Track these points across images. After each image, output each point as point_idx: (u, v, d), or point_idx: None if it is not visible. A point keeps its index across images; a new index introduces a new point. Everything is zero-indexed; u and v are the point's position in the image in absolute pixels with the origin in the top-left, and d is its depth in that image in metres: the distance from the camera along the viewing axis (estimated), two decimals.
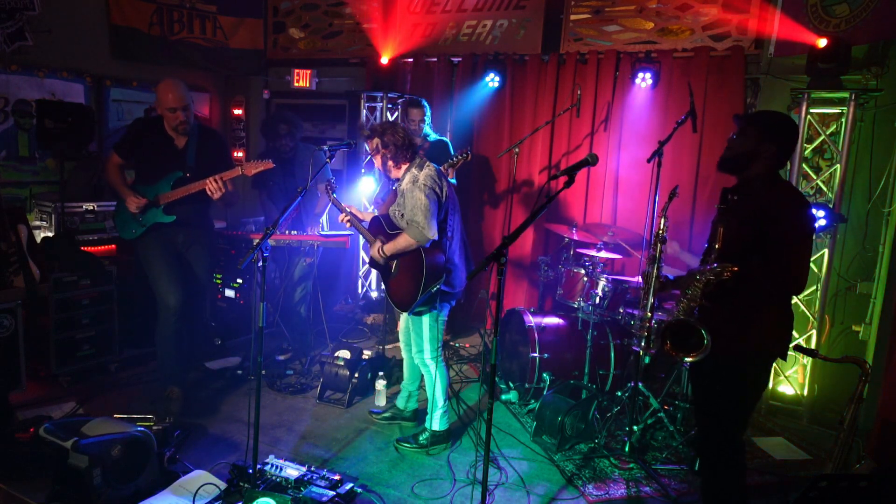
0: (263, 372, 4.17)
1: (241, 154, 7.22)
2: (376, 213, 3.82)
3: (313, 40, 6.73)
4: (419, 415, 4.01)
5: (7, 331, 3.59)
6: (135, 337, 4.74)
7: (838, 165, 4.26)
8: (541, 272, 5.00)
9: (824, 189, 4.40)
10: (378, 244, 3.53)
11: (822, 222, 4.15)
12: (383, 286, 3.69)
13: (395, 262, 3.55)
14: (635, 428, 3.75)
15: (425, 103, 5.07)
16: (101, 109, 5.80)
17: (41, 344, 4.20)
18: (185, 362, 4.11)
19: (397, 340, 5.39)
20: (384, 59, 5.93)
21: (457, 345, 5.41)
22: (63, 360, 4.27)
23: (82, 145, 5.07)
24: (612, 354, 4.24)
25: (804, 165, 4.38)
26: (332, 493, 2.96)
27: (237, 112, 7.15)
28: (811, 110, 4.29)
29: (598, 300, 4.17)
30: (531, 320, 4.38)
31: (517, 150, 5.01)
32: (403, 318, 3.85)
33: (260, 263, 2.91)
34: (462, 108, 5.80)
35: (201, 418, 3.90)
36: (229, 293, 5.29)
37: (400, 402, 4.02)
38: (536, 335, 4.28)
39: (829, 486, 2.04)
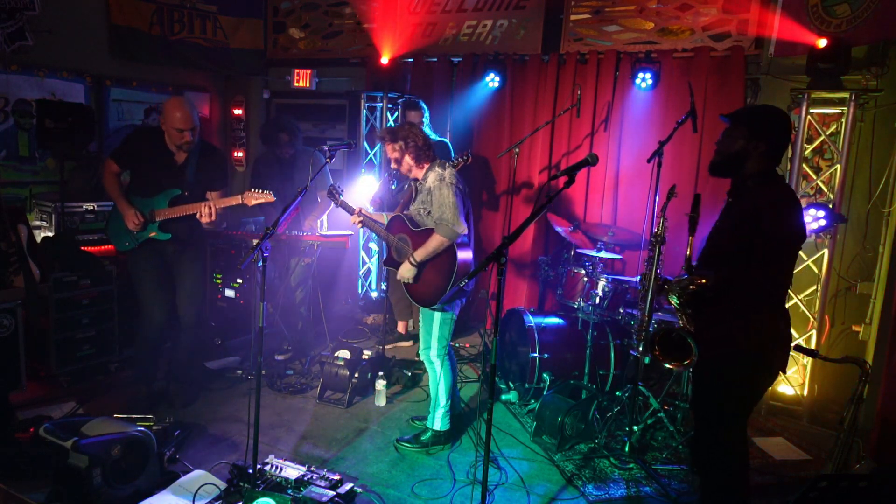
0: (263, 372, 4.17)
1: (241, 154, 7.23)
2: (380, 214, 3.83)
3: (313, 40, 6.73)
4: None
5: (7, 331, 3.59)
6: (135, 336, 4.73)
7: (838, 165, 4.26)
8: (541, 272, 5.00)
9: (824, 189, 4.40)
10: (407, 258, 3.51)
11: (823, 222, 4.15)
12: (403, 285, 3.66)
13: (418, 267, 3.56)
14: (635, 428, 3.75)
15: (423, 105, 5.07)
16: (101, 109, 5.80)
17: (41, 344, 4.20)
18: (158, 366, 4.14)
19: (397, 340, 5.44)
20: (384, 59, 5.93)
21: (457, 345, 5.41)
22: (63, 360, 4.27)
23: (82, 145, 5.07)
24: (612, 354, 4.23)
25: (804, 165, 4.38)
26: (331, 493, 2.96)
27: (237, 112, 7.16)
28: (811, 110, 4.29)
29: (598, 300, 4.17)
30: (531, 320, 4.38)
31: (517, 150, 5.01)
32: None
33: (260, 263, 2.91)
34: (462, 108, 5.80)
35: (201, 418, 3.90)
36: (229, 293, 5.29)
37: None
38: (536, 335, 4.28)
39: (829, 487, 2.04)
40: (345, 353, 4.33)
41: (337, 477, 3.08)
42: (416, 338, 5.42)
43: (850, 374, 2.78)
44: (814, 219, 4.14)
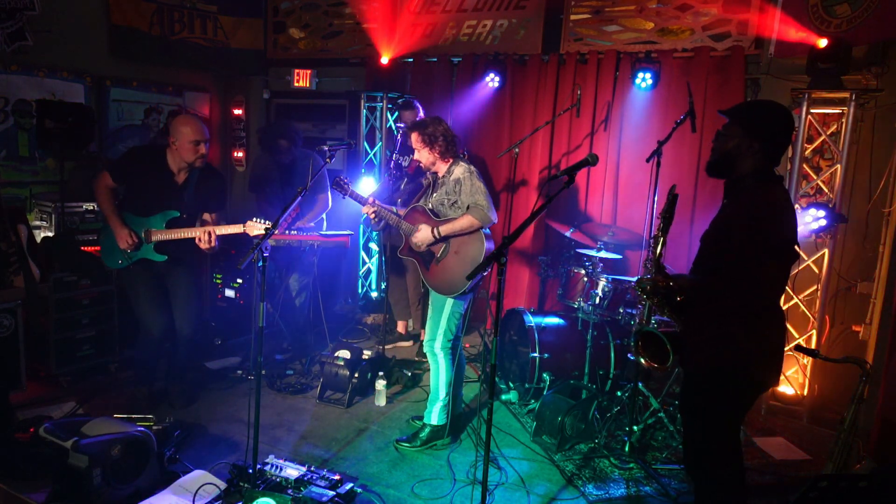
0: (263, 372, 4.17)
1: (241, 154, 7.23)
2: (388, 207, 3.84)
3: (313, 40, 6.72)
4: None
5: (7, 331, 3.59)
6: (135, 337, 4.73)
7: (838, 165, 4.26)
8: (541, 272, 5.00)
9: (824, 189, 4.40)
10: (430, 227, 3.59)
11: (823, 222, 4.15)
12: (421, 273, 3.70)
13: (444, 245, 3.60)
14: (635, 428, 3.75)
15: (418, 104, 5.08)
16: (101, 109, 5.80)
17: (41, 344, 4.20)
18: (159, 371, 4.12)
19: (397, 340, 5.44)
20: (384, 59, 5.93)
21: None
22: (63, 360, 4.27)
23: (82, 145, 5.08)
24: (612, 354, 4.23)
25: (804, 165, 4.38)
26: (331, 493, 2.96)
27: (237, 112, 7.15)
28: (811, 110, 4.29)
29: (598, 300, 4.17)
30: (531, 320, 4.38)
31: (517, 150, 5.01)
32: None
33: (260, 263, 2.91)
34: (462, 108, 5.80)
35: (201, 418, 3.90)
36: (229, 293, 5.29)
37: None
38: (536, 335, 4.28)
39: (829, 486, 2.04)
40: (345, 353, 4.33)
41: (337, 477, 3.08)
42: (416, 338, 5.43)
43: (850, 374, 2.78)
44: (814, 219, 4.14)
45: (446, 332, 3.65)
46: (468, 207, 3.52)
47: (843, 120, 4.23)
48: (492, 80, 5.49)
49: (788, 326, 4.35)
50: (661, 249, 2.49)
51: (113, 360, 4.55)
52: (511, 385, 4.52)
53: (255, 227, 3.70)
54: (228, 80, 7.12)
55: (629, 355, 4.12)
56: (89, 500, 2.80)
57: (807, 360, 4.40)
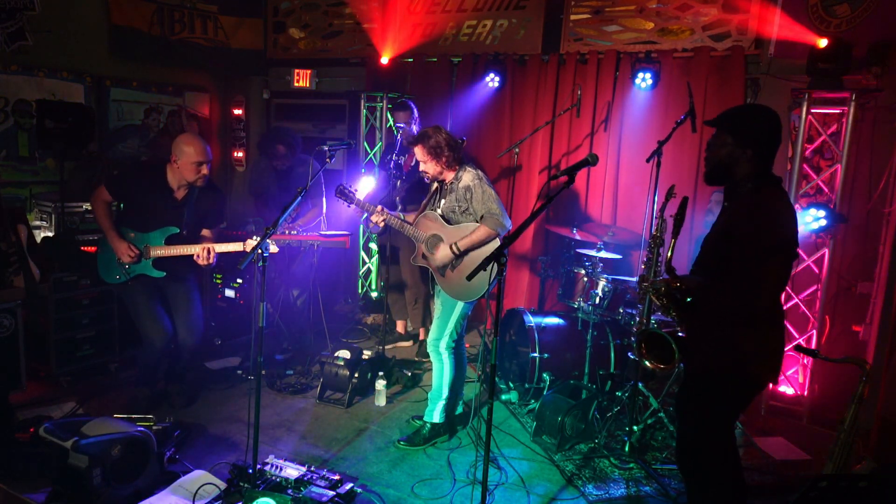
0: (263, 372, 4.17)
1: (240, 154, 7.23)
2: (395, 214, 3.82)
3: (313, 40, 6.73)
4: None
5: (7, 331, 3.59)
6: (135, 337, 4.72)
7: (838, 165, 4.25)
8: (541, 272, 5.00)
9: (824, 189, 4.39)
10: (447, 245, 3.57)
11: (823, 222, 4.15)
12: (437, 280, 3.70)
13: (459, 257, 3.60)
14: (635, 428, 3.75)
15: (412, 105, 5.08)
16: (101, 109, 5.80)
17: (41, 344, 4.20)
18: (160, 372, 4.10)
19: (397, 340, 5.44)
20: (384, 59, 5.93)
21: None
22: (63, 360, 4.27)
23: (82, 145, 5.07)
24: (612, 354, 4.23)
25: (804, 165, 4.38)
26: (331, 493, 2.96)
27: (237, 112, 7.15)
28: (811, 110, 4.28)
29: (598, 300, 4.17)
30: (531, 320, 4.38)
31: (517, 150, 5.01)
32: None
33: (260, 263, 2.91)
34: (462, 108, 5.80)
35: (201, 418, 3.90)
36: (229, 293, 5.29)
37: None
38: (536, 335, 4.28)
39: (829, 486, 2.04)
40: (345, 353, 4.33)
41: (337, 477, 3.08)
42: (415, 338, 5.43)
43: (850, 373, 2.78)
44: (814, 219, 4.14)
45: (452, 333, 3.67)
46: (481, 217, 3.51)
47: (843, 120, 4.23)
48: (492, 80, 5.49)
49: (788, 326, 4.35)
50: (671, 253, 2.49)
51: (113, 360, 4.55)
52: (511, 385, 4.52)
53: (253, 245, 3.68)
54: (228, 80, 7.11)
55: (629, 354, 4.12)
56: (89, 500, 2.80)
57: (807, 360, 4.40)
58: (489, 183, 3.58)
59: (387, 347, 4.98)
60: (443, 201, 3.69)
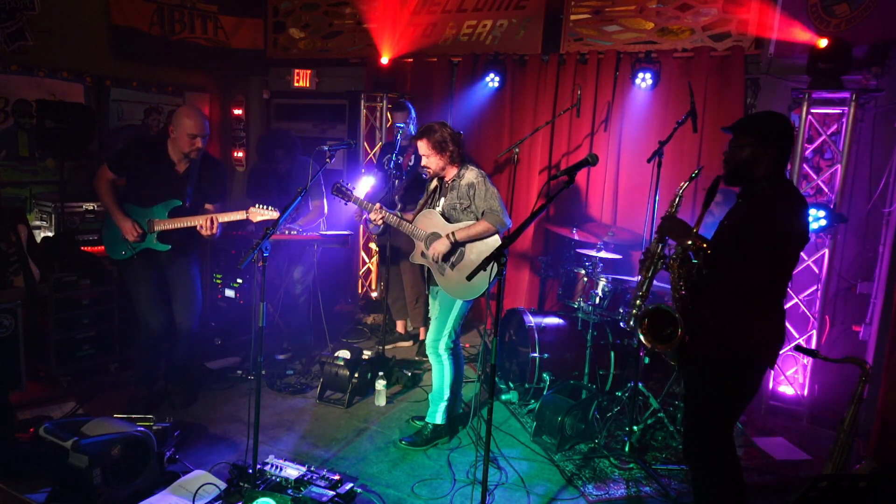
0: (263, 372, 4.16)
1: (240, 154, 7.22)
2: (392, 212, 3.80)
3: (313, 40, 6.73)
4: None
5: (7, 331, 3.58)
6: (135, 337, 4.74)
7: (838, 165, 4.26)
8: (541, 272, 4.99)
9: (824, 189, 4.40)
10: (444, 234, 3.56)
11: (823, 222, 4.15)
12: (436, 278, 3.68)
13: (459, 250, 3.59)
14: (635, 428, 3.75)
15: (410, 105, 5.08)
16: (101, 109, 5.80)
17: (41, 344, 4.20)
18: (159, 371, 4.12)
19: (397, 340, 5.44)
20: (384, 59, 5.93)
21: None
22: (63, 360, 4.27)
23: (82, 145, 5.06)
24: (612, 354, 4.23)
25: (804, 165, 4.38)
26: (332, 493, 2.96)
27: (237, 112, 7.15)
28: (811, 110, 4.28)
29: (598, 300, 4.17)
30: (531, 320, 4.37)
31: (517, 150, 5.01)
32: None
33: (260, 263, 2.91)
34: (462, 108, 5.80)
35: (201, 418, 3.90)
36: (229, 293, 5.29)
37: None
38: (536, 335, 4.28)
39: (829, 486, 2.04)
40: (345, 353, 4.33)
41: (337, 477, 3.08)
42: (415, 337, 5.43)
43: (850, 373, 2.78)
44: (814, 219, 4.14)
45: (451, 333, 3.66)
46: (483, 213, 3.51)
47: (843, 120, 4.23)
48: (492, 81, 5.49)
49: (788, 326, 4.35)
50: (697, 228, 2.56)
51: (113, 360, 4.55)
52: (511, 385, 4.52)
53: (258, 213, 3.70)
54: (228, 80, 7.11)
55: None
56: (89, 500, 2.80)
57: (807, 360, 4.40)
58: (492, 182, 3.58)
59: (387, 347, 4.98)
60: (442, 199, 3.67)
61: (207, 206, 3.91)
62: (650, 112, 5.07)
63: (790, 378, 4.45)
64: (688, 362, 2.65)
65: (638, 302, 2.81)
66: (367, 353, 4.48)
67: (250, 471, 3.03)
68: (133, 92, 6.09)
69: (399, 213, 3.79)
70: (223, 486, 3.06)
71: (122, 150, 3.88)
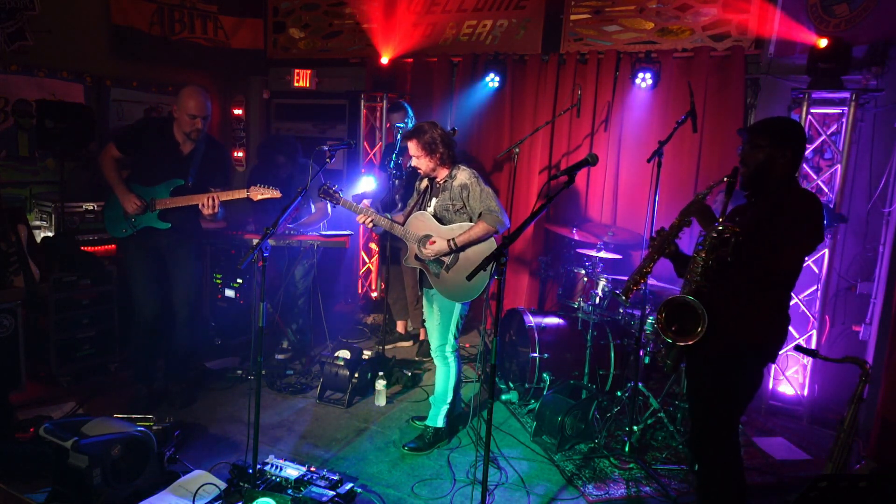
0: (263, 372, 4.17)
1: (241, 154, 7.22)
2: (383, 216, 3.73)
3: (313, 40, 6.72)
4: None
5: (7, 331, 3.59)
6: (133, 335, 4.74)
7: (838, 165, 4.26)
8: (541, 272, 4.99)
9: (824, 189, 4.40)
10: (444, 239, 3.51)
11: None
12: (430, 281, 3.64)
13: (454, 253, 3.56)
14: (635, 428, 3.75)
15: (407, 106, 5.09)
16: (101, 109, 5.79)
17: (41, 344, 4.20)
18: (155, 367, 4.13)
19: (397, 340, 5.44)
20: (384, 59, 5.93)
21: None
22: (63, 360, 4.27)
23: (82, 145, 5.06)
24: (612, 354, 4.23)
25: (804, 165, 4.38)
26: (332, 493, 2.96)
27: (237, 112, 7.15)
28: (811, 110, 4.29)
29: (598, 300, 4.18)
30: (531, 320, 4.38)
31: (517, 150, 5.00)
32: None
33: (260, 263, 2.91)
34: (462, 108, 5.80)
35: (201, 418, 3.90)
36: (229, 293, 5.29)
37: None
38: (536, 335, 4.28)
39: (829, 487, 2.04)
40: (345, 353, 4.33)
41: (337, 477, 3.08)
42: (415, 338, 5.43)
43: (850, 373, 2.78)
44: None
45: (455, 334, 3.67)
46: (480, 214, 3.47)
47: (843, 120, 4.23)
48: (492, 81, 5.48)
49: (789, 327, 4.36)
50: (725, 207, 2.55)
51: (113, 360, 4.55)
52: (511, 385, 4.52)
53: (259, 193, 3.71)
54: (228, 80, 7.11)
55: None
56: (89, 500, 2.80)
57: (807, 360, 4.40)
58: (485, 181, 3.56)
59: (387, 347, 4.98)
60: (434, 200, 3.63)
61: (212, 189, 3.90)
62: (650, 112, 5.07)
63: (790, 378, 4.46)
64: (692, 357, 2.65)
65: (637, 277, 2.73)
66: (367, 353, 4.48)
67: (250, 471, 3.03)
68: (133, 92, 6.09)
69: (389, 216, 3.74)
70: (223, 486, 3.06)
71: (130, 128, 3.96)
